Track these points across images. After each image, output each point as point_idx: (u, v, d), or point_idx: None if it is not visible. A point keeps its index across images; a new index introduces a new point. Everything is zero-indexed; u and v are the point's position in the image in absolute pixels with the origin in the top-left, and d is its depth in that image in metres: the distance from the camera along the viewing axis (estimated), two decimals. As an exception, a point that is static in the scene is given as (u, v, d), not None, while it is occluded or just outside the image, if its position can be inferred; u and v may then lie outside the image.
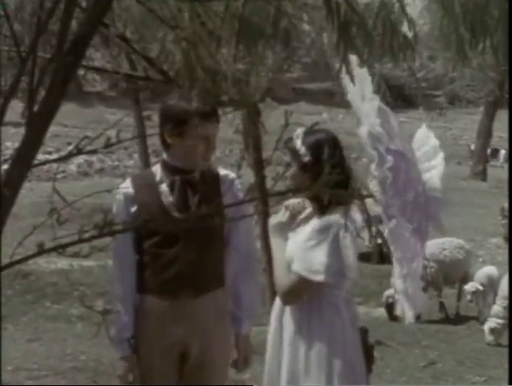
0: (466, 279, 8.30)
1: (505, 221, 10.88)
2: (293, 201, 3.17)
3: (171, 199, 3.10)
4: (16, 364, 6.01)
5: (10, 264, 1.51)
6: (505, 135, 19.48)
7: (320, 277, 2.96)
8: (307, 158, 3.00)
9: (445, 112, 29.42)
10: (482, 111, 20.26)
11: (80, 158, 18.30)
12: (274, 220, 3.17)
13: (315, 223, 3.05)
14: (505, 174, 14.85)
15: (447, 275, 8.21)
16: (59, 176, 16.52)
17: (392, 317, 7.88)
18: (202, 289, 3.15)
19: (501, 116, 19.25)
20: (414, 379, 6.25)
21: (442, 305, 8.19)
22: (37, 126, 1.42)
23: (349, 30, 1.98)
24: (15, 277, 8.43)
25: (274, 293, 4.75)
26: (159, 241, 3.08)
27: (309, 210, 3.17)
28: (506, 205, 10.74)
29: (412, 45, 2.22)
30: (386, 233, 2.75)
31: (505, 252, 9.95)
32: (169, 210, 3.07)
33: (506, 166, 18.06)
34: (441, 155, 3.17)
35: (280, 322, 3.14)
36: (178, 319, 3.13)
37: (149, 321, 3.14)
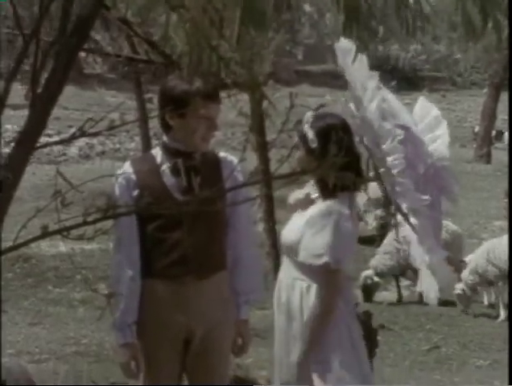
0: (452, 264, 8.25)
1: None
2: (295, 196, 3.14)
3: (173, 181, 3.06)
4: (18, 348, 6.00)
5: (14, 247, 1.47)
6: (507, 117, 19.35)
7: (322, 261, 2.94)
8: (314, 144, 2.97)
9: (449, 94, 29.31)
10: (486, 93, 20.14)
11: (82, 141, 18.23)
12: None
13: (316, 207, 3.02)
14: (509, 157, 14.76)
15: None
16: (60, 159, 16.47)
17: (368, 298, 7.92)
18: (206, 272, 3.12)
19: (506, 98, 19.12)
20: (418, 363, 6.24)
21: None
22: (40, 109, 1.38)
23: (357, 7, 1.94)
24: (16, 260, 8.41)
25: (277, 278, 4.71)
26: (162, 225, 3.04)
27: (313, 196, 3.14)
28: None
29: (428, 18, 2.17)
30: (404, 209, 2.74)
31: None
32: (172, 192, 3.04)
33: None
34: (444, 124, 3.15)
35: (279, 306, 3.13)
36: (182, 303, 3.09)
37: (153, 305, 3.10)
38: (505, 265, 7.53)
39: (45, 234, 1.35)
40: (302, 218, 3.07)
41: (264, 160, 4.47)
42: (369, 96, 2.83)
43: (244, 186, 2.22)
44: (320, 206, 3.01)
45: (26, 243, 1.45)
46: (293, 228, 3.09)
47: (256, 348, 5.49)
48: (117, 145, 19.25)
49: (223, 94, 3.41)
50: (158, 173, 3.08)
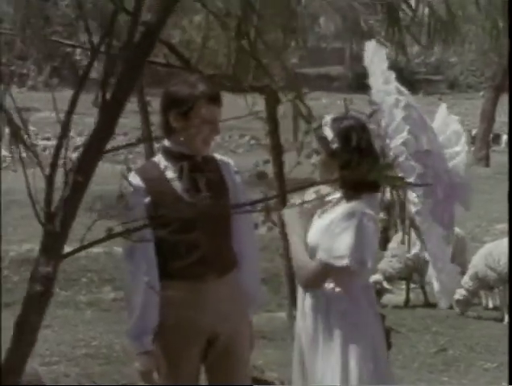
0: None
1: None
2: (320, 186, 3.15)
3: (181, 185, 3.08)
4: (28, 351, 6.00)
5: (78, 249, 1.50)
6: (507, 120, 19.39)
7: (343, 263, 2.95)
8: (335, 145, 3.00)
9: (445, 97, 29.39)
10: (484, 95, 20.19)
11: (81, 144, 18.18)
12: (292, 206, 3.16)
13: (339, 209, 3.04)
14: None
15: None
16: (60, 162, 16.43)
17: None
18: (224, 270, 3.15)
19: (504, 100, 19.16)
20: (427, 365, 6.27)
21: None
22: (109, 113, 1.41)
23: (397, 14, 1.97)
24: (22, 263, 8.41)
25: (291, 279, 4.73)
26: (177, 227, 3.05)
27: (337, 195, 3.16)
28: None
29: (453, 27, 2.21)
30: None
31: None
32: (183, 196, 3.06)
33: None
34: (463, 140, 3.18)
35: (303, 309, 3.13)
36: (204, 303, 3.10)
37: (174, 307, 3.09)
38: (503, 269, 7.56)
39: (110, 236, 1.38)
40: (324, 220, 3.08)
41: (278, 163, 4.51)
42: (395, 127, 2.87)
43: (266, 199, 2.19)
44: (344, 207, 3.02)
45: (90, 244, 1.48)
46: (315, 231, 3.10)
47: (263, 350, 5.50)
48: (116, 148, 19.19)
49: (249, 102, 3.44)
50: (165, 178, 3.09)
